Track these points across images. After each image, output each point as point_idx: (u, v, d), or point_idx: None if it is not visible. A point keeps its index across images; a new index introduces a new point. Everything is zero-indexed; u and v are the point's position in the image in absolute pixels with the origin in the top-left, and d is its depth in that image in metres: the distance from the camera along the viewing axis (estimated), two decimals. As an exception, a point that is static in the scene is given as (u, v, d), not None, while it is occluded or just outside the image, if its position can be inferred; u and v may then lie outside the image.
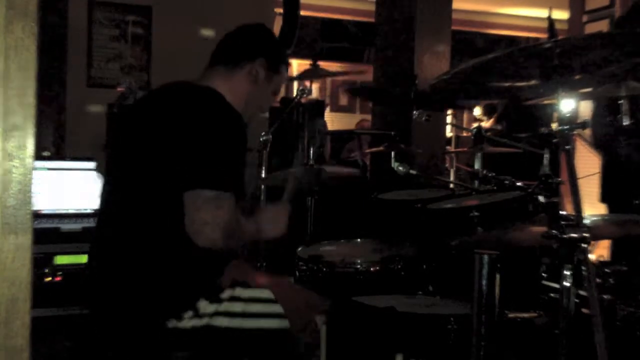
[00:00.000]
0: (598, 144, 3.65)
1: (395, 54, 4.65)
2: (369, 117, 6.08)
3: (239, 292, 1.93)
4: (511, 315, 2.04)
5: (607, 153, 3.47)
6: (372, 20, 5.22)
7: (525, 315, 2.10)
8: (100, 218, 2.06)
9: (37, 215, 3.21)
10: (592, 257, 1.65)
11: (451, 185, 3.50)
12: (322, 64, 4.87)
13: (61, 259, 3.10)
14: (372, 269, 2.41)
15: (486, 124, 6.56)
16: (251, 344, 1.95)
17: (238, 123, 1.94)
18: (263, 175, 3.05)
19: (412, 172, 2.79)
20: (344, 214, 3.82)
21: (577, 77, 1.70)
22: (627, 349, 1.98)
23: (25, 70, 0.85)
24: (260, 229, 2.03)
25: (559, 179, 2.01)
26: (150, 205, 1.90)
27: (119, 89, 4.06)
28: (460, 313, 1.91)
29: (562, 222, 1.54)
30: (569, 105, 1.59)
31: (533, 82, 1.73)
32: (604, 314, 1.55)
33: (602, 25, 5.10)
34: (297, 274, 2.49)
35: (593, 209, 3.28)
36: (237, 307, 1.91)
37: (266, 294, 1.96)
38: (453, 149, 4.96)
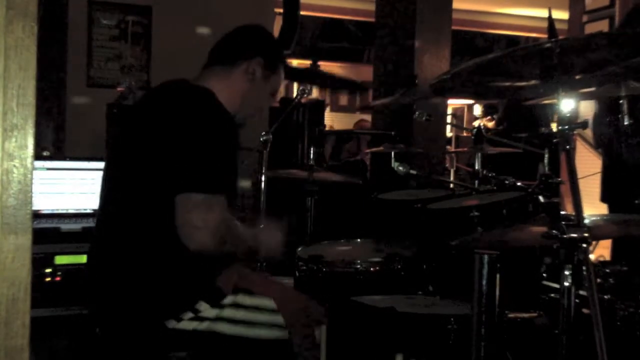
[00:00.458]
0: (599, 144, 3.65)
1: (395, 54, 4.65)
2: (369, 117, 6.08)
3: (242, 299, 1.92)
4: (511, 315, 2.04)
5: (607, 153, 3.47)
6: (372, 20, 5.22)
7: (525, 315, 2.10)
8: (99, 218, 2.07)
9: (37, 215, 3.21)
10: (592, 257, 1.65)
11: (451, 185, 3.50)
12: (322, 64, 4.87)
13: (61, 259, 3.10)
14: (372, 269, 2.41)
15: (489, 124, 6.57)
16: (251, 352, 1.94)
17: (228, 124, 1.93)
18: (263, 175, 3.05)
19: (412, 172, 2.79)
20: (344, 214, 3.82)
21: (577, 77, 1.70)
22: (627, 349, 1.98)
23: (25, 70, 0.85)
24: (256, 247, 2.04)
25: (559, 179, 2.02)
26: (147, 205, 1.90)
27: (119, 89, 4.06)
28: (460, 313, 1.91)
29: (563, 222, 1.54)
30: (569, 105, 1.59)
31: (533, 82, 1.73)
32: (604, 314, 1.55)
33: (602, 25, 5.10)
34: (297, 274, 2.48)
35: (594, 209, 3.27)
36: (240, 314, 1.90)
37: (269, 302, 1.95)
38: (453, 149, 4.97)
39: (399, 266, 2.40)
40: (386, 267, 2.40)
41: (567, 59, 1.56)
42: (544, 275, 2.27)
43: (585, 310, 1.81)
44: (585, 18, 5.36)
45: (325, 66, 7.86)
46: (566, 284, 1.55)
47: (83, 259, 2.88)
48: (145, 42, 4.64)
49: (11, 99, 0.85)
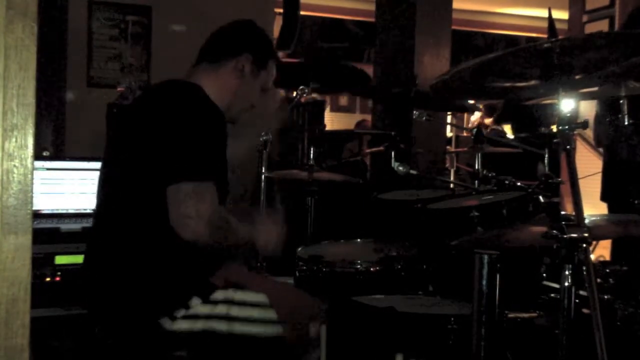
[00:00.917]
0: (600, 143, 3.66)
1: (395, 54, 4.64)
2: (369, 117, 6.08)
3: (234, 294, 1.93)
4: (511, 315, 2.04)
5: (608, 152, 3.48)
6: (372, 20, 5.22)
7: (525, 315, 2.10)
8: (95, 217, 2.08)
9: (37, 215, 3.20)
10: (592, 257, 1.65)
11: (451, 185, 3.50)
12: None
13: (61, 259, 3.10)
14: (372, 269, 2.41)
15: (486, 120, 6.56)
16: (246, 349, 1.94)
17: (214, 114, 1.94)
18: (263, 175, 3.05)
19: (412, 172, 2.78)
20: (344, 214, 3.82)
21: (577, 77, 1.70)
22: (627, 349, 1.98)
23: (25, 70, 0.85)
24: (254, 241, 2.03)
25: (559, 179, 2.02)
26: (139, 202, 1.91)
27: (119, 89, 4.06)
28: (460, 313, 1.91)
29: (563, 222, 1.54)
30: (569, 105, 1.59)
31: (533, 82, 1.73)
32: (604, 314, 1.55)
33: (602, 25, 5.10)
34: (297, 274, 2.48)
35: (594, 209, 3.28)
36: (233, 311, 1.90)
37: (262, 298, 1.96)
38: (453, 149, 4.97)
39: (399, 266, 2.40)
40: (386, 267, 2.40)
41: (567, 59, 1.56)
42: (544, 275, 2.27)
43: (585, 310, 1.80)
44: (585, 18, 5.35)
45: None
46: (566, 284, 1.55)
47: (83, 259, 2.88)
48: (145, 42, 4.64)
49: (11, 99, 0.85)
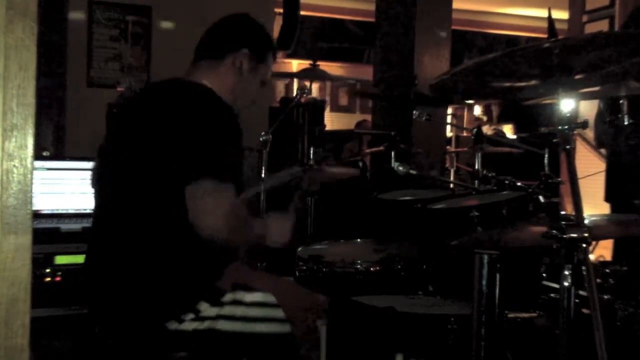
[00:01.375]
0: (601, 143, 3.66)
1: (395, 54, 4.65)
2: (369, 117, 6.08)
3: (241, 295, 1.93)
4: (511, 315, 2.04)
5: (611, 152, 3.47)
6: (372, 20, 5.22)
7: (525, 315, 2.10)
8: (96, 218, 2.05)
9: (37, 215, 3.20)
10: (592, 257, 1.65)
11: (451, 185, 3.50)
12: (322, 64, 4.87)
13: (61, 259, 3.10)
14: (372, 269, 2.40)
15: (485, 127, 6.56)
16: (252, 348, 1.94)
17: (230, 115, 1.94)
18: (263, 175, 3.05)
19: (412, 172, 2.78)
20: (344, 214, 3.82)
21: (577, 77, 1.70)
22: (627, 349, 1.97)
23: (25, 70, 0.85)
24: (266, 236, 2.03)
25: (559, 179, 2.02)
26: (148, 205, 1.90)
27: (119, 89, 4.07)
28: (460, 313, 1.91)
29: (563, 222, 1.54)
30: (569, 105, 1.59)
31: (533, 82, 1.73)
32: (604, 314, 1.55)
33: (602, 25, 5.09)
34: (297, 274, 2.48)
35: (594, 209, 3.27)
36: (239, 310, 1.90)
37: (268, 297, 1.95)
38: (453, 149, 4.96)
39: (399, 266, 2.40)
40: (386, 267, 2.40)
41: (567, 59, 1.56)
42: (544, 275, 2.27)
43: (585, 310, 1.80)
44: (585, 18, 5.35)
45: (325, 66, 7.86)
46: (566, 284, 1.55)
47: (83, 259, 2.89)
48: (145, 42, 4.64)
49: (11, 99, 0.85)
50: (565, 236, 1.52)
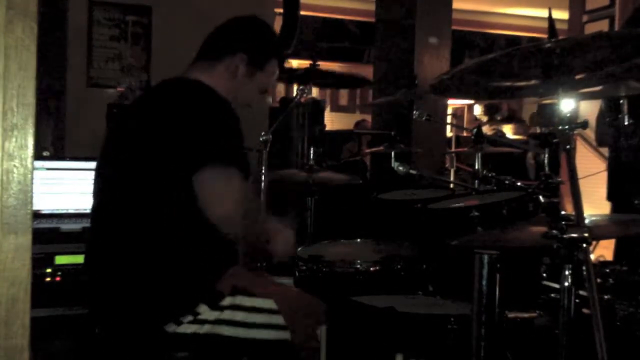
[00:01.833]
0: (602, 142, 3.65)
1: (395, 54, 4.65)
2: (368, 117, 6.08)
3: (241, 300, 1.92)
4: (511, 315, 2.04)
5: (612, 152, 3.47)
6: (372, 20, 5.22)
7: (525, 315, 2.10)
8: (94, 218, 2.04)
9: (37, 215, 3.20)
10: (592, 257, 1.65)
11: (451, 185, 3.50)
12: (322, 64, 4.86)
13: (61, 259, 3.09)
14: (372, 269, 2.40)
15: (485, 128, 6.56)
16: (251, 354, 1.94)
17: (229, 108, 1.94)
18: (263, 175, 3.04)
19: (412, 172, 2.78)
20: (344, 214, 3.82)
21: (578, 77, 1.70)
22: (627, 349, 1.97)
23: (25, 70, 0.85)
24: (270, 245, 2.03)
25: (559, 179, 2.01)
26: (148, 204, 1.89)
27: (119, 89, 4.06)
28: (460, 313, 1.91)
29: (563, 222, 1.54)
30: (569, 105, 1.59)
31: (533, 82, 1.73)
32: (604, 314, 1.55)
33: (602, 25, 5.09)
34: (297, 274, 2.48)
35: (595, 209, 3.27)
36: (239, 316, 1.89)
37: (269, 303, 1.94)
38: (453, 149, 4.96)
39: (399, 266, 2.39)
40: (386, 267, 2.40)
41: (567, 59, 1.56)
42: (544, 275, 2.27)
43: (585, 310, 1.80)
44: (585, 18, 5.35)
45: (326, 66, 7.85)
46: (566, 284, 1.55)
47: (83, 259, 2.89)
48: (145, 42, 4.64)
49: (11, 99, 0.85)
50: (565, 236, 1.52)
